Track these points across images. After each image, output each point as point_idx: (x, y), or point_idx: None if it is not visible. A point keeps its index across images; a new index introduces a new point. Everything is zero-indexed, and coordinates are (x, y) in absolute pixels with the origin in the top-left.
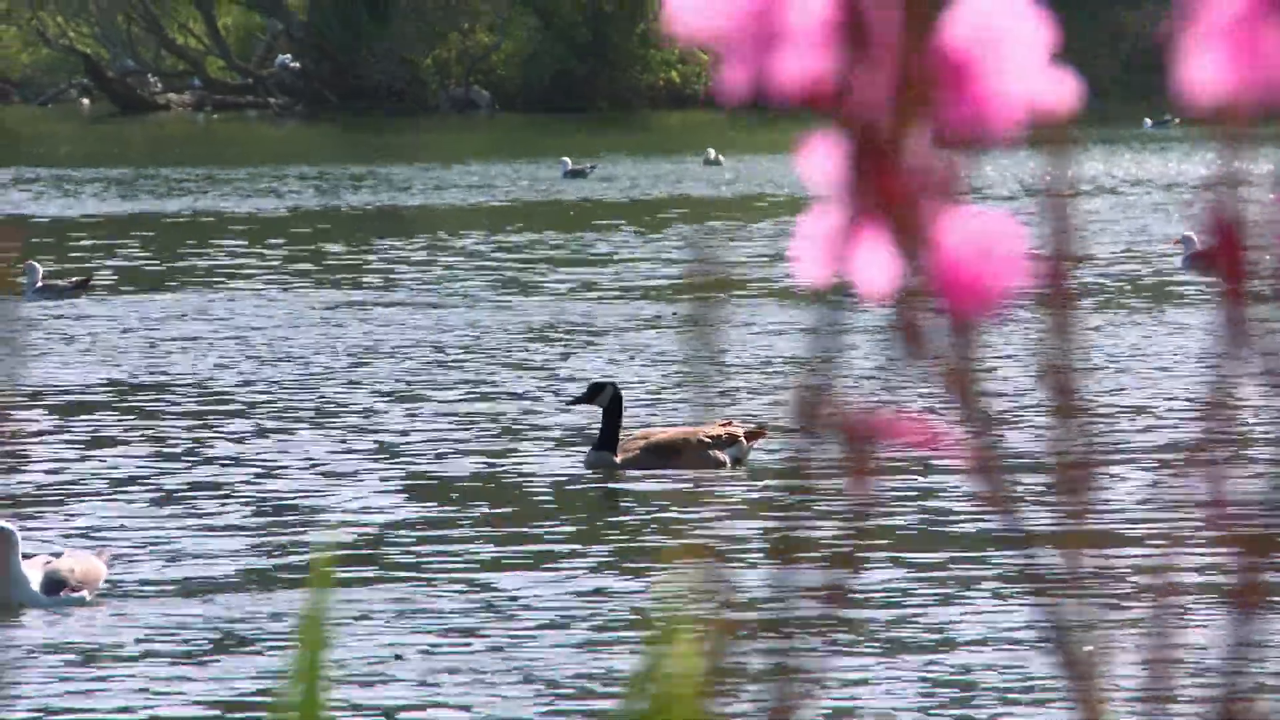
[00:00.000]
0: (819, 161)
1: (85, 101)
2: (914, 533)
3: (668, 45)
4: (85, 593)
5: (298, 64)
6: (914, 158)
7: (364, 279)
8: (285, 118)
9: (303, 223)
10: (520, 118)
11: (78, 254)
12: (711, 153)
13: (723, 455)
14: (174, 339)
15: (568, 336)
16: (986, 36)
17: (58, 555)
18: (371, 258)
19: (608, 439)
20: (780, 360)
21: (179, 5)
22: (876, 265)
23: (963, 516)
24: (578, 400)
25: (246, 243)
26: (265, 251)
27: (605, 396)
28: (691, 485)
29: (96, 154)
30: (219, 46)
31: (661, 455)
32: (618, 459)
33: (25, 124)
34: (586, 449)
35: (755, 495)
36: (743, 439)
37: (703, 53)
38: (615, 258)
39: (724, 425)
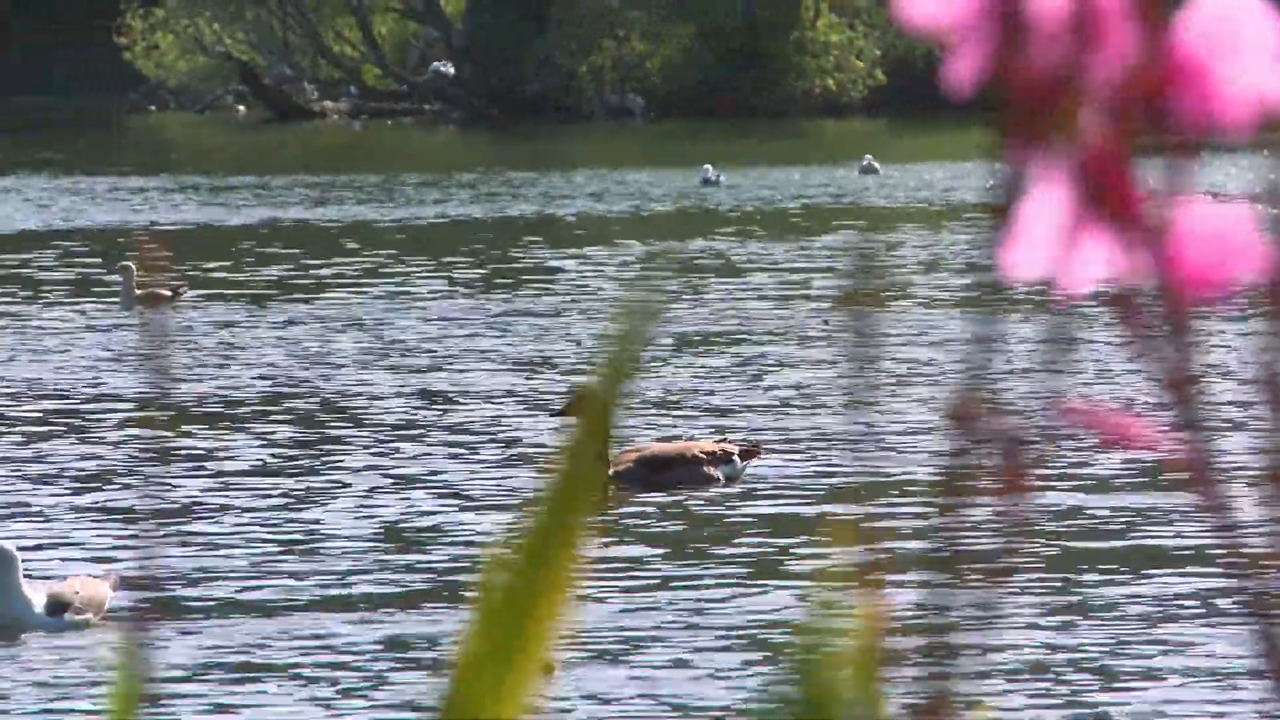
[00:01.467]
0: (1037, 158)
1: (241, 109)
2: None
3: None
4: (90, 615)
5: (453, 71)
6: (1143, 155)
7: (517, 287)
8: (440, 125)
9: (457, 230)
10: (674, 125)
11: (226, 262)
12: (868, 160)
13: (716, 471)
14: (324, 348)
15: (718, 346)
16: (1219, 34)
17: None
18: (523, 266)
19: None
20: (932, 368)
21: (335, 13)
22: (1093, 263)
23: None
24: (561, 411)
25: (399, 250)
26: (418, 260)
27: None
28: (686, 500)
29: (252, 162)
30: (375, 54)
31: (654, 469)
32: (609, 471)
33: (182, 131)
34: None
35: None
36: (737, 457)
37: (937, 44)
38: (764, 265)
39: (719, 442)
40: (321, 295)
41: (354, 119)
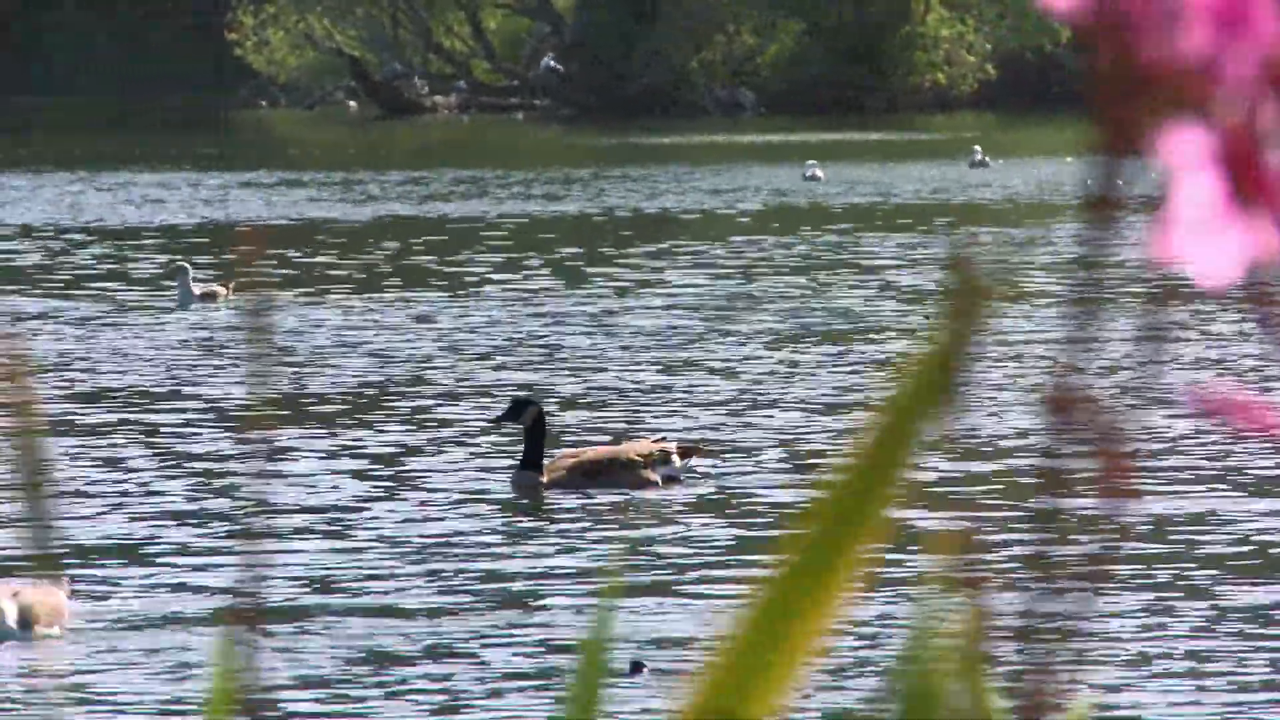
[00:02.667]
0: (1187, 149)
1: (352, 104)
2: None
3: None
4: (57, 629)
5: (562, 66)
6: None
7: (624, 284)
8: (550, 120)
9: (565, 226)
10: (784, 120)
11: (333, 257)
12: (978, 154)
13: (654, 474)
14: (433, 344)
15: (823, 343)
16: None
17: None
18: (631, 261)
19: (532, 458)
20: (1039, 365)
21: (445, 8)
22: (1234, 251)
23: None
24: (501, 418)
25: (507, 247)
26: (526, 256)
27: (529, 415)
28: (622, 504)
29: (362, 157)
30: (485, 49)
31: (589, 475)
32: (544, 479)
33: (292, 127)
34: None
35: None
36: (676, 457)
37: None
38: (871, 262)
39: (656, 443)
40: (430, 291)
41: (463, 113)
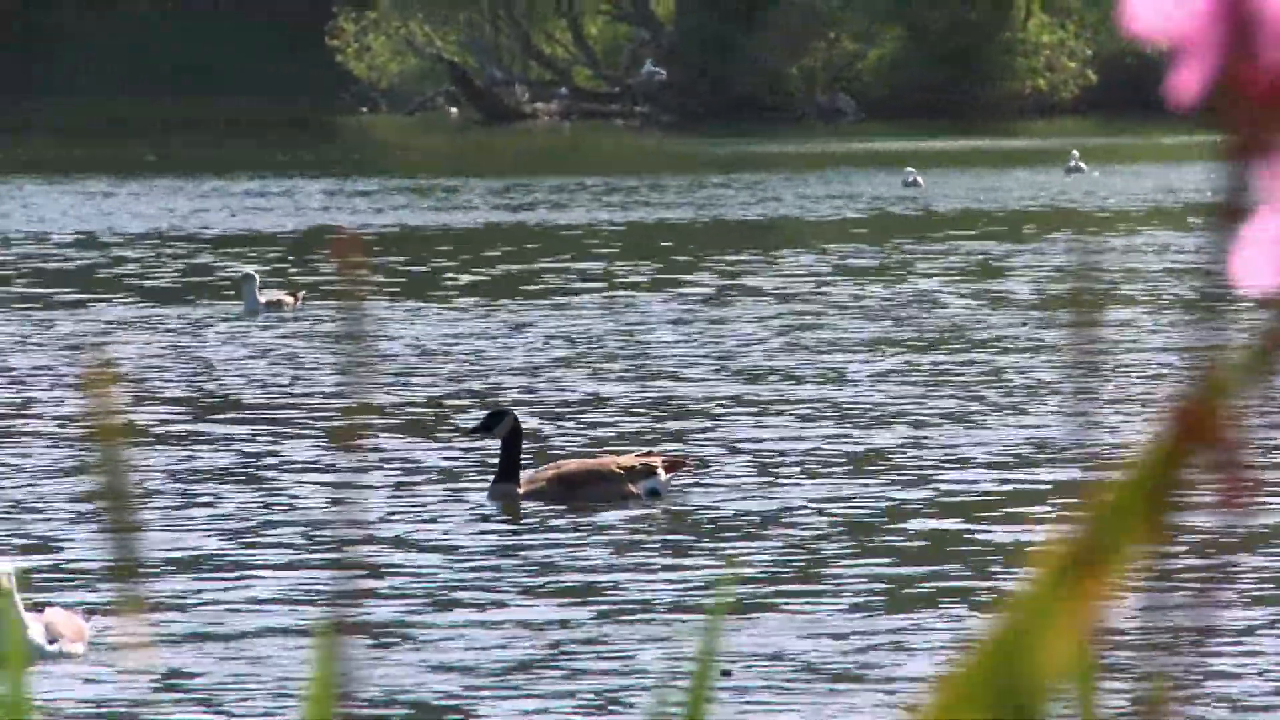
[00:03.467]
0: (1267, 162)
1: (453, 111)
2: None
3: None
4: (79, 646)
5: (663, 73)
6: None
7: (722, 291)
8: (651, 127)
9: (665, 232)
10: (884, 126)
11: (433, 264)
12: (1075, 160)
13: (636, 488)
14: (531, 351)
15: (909, 350)
16: None
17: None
18: (730, 269)
19: (508, 470)
20: (1151, 374)
21: (546, 15)
22: None
23: None
24: (475, 430)
25: (608, 253)
26: (628, 262)
27: (504, 426)
28: (600, 519)
29: (462, 163)
30: (585, 55)
31: (569, 487)
32: (521, 490)
33: (393, 133)
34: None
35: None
36: (661, 470)
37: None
38: (968, 269)
39: (641, 456)
40: (528, 297)
41: (564, 120)
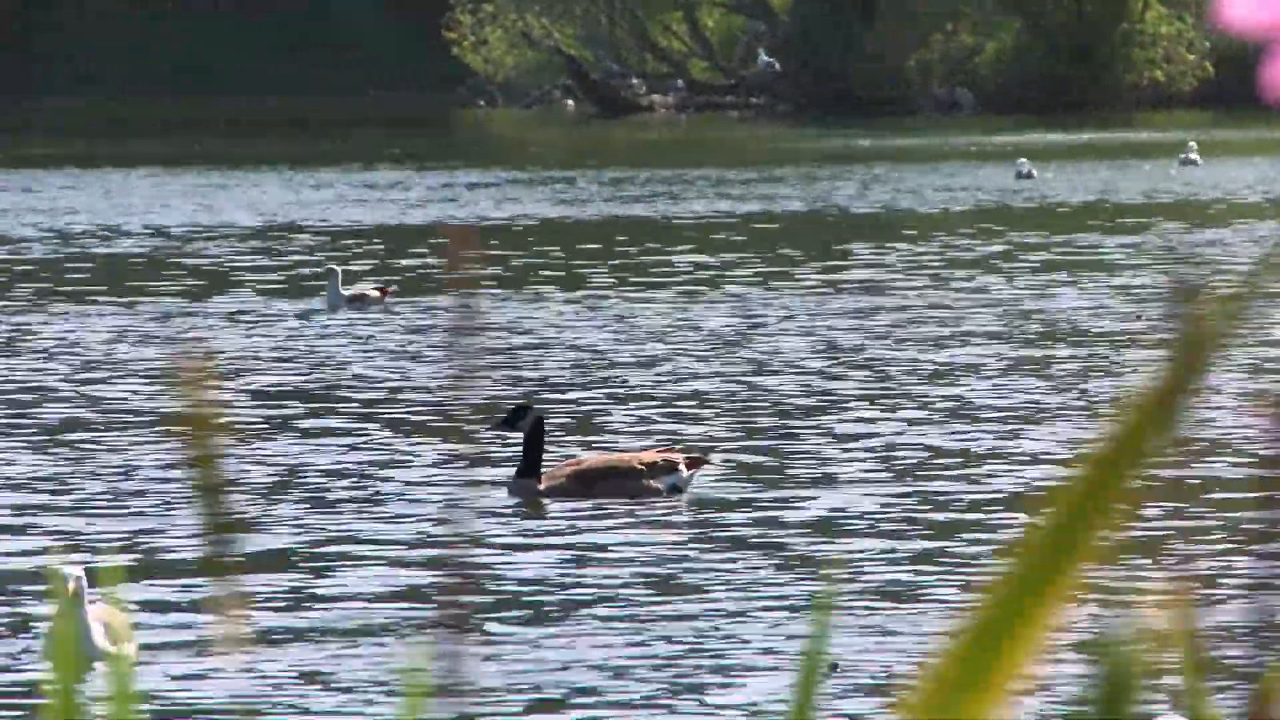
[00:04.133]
0: None
1: (569, 104)
2: None
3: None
4: (130, 646)
5: (778, 65)
6: None
7: (838, 283)
8: (766, 119)
9: (781, 225)
10: (1001, 119)
11: (549, 255)
12: (1189, 153)
13: (657, 483)
14: (648, 340)
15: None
16: None
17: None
18: (844, 262)
19: (530, 465)
20: (1248, 369)
21: (662, 7)
22: None
23: None
24: (500, 425)
25: (723, 245)
26: (741, 255)
27: (526, 422)
28: (624, 513)
29: (579, 156)
30: (702, 48)
31: (589, 483)
32: (541, 486)
33: (510, 127)
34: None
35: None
36: (683, 467)
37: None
38: (1079, 262)
39: (663, 452)
40: (642, 290)
41: (680, 112)
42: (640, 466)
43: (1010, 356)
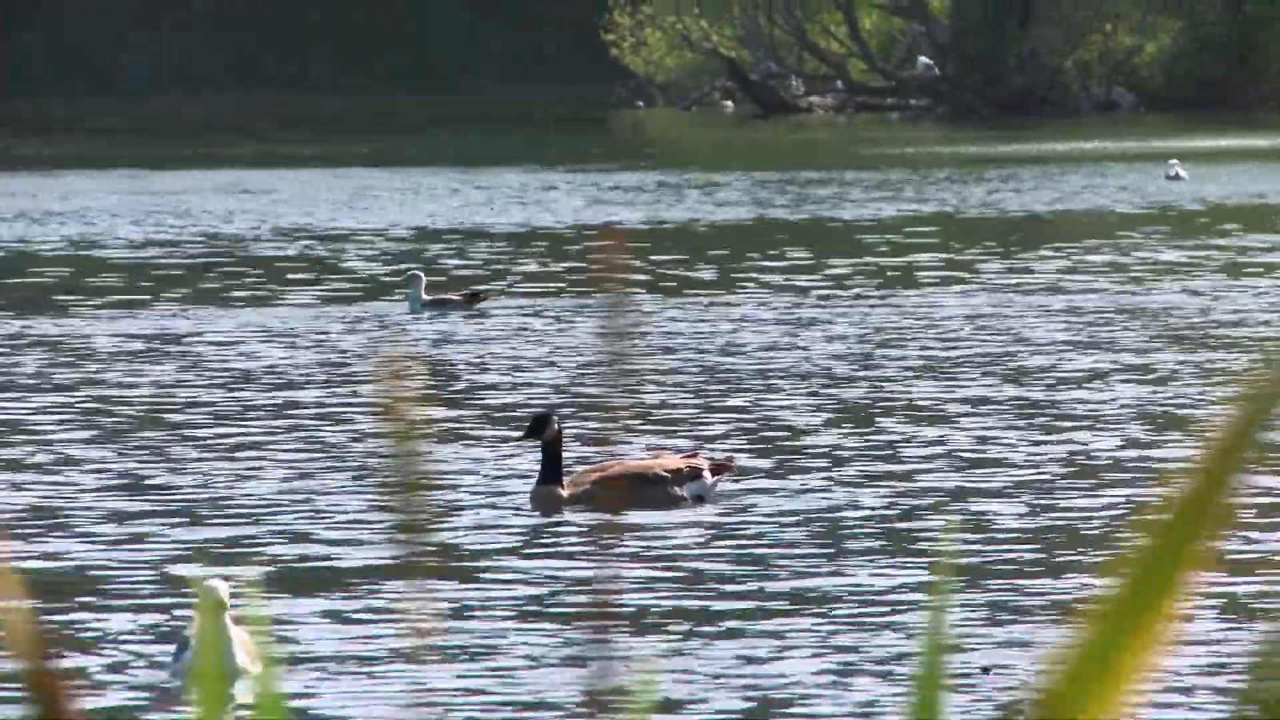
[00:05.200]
0: None
1: (728, 104)
2: None
3: None
4: (259, 664)
5: (937, 67)
6: None
7: (989, 284)
8: (925, 120)
9: (938, 225)
10: (1160, 119)
11: (700, 256)
12: None
13: (681, 490)
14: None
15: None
16: None
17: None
18: (998, 264)
19: (550, 473)
20: None
21: (821, 8)
22: None
23: None
24: (524, 436)
25: (885, 246)
26: (899, 257)
27: (549, 431)
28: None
29: (737, 157)
30: (861, 49)
31: (613, 489)
32: (564, 493)
33: (669, 127)
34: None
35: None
36: (707, 473)
37: None
38: (1222, 264)
39: (687, 458)
40: (800, 291)
41: (839, 114)
42: (665, 474)
43: (1167, 360)
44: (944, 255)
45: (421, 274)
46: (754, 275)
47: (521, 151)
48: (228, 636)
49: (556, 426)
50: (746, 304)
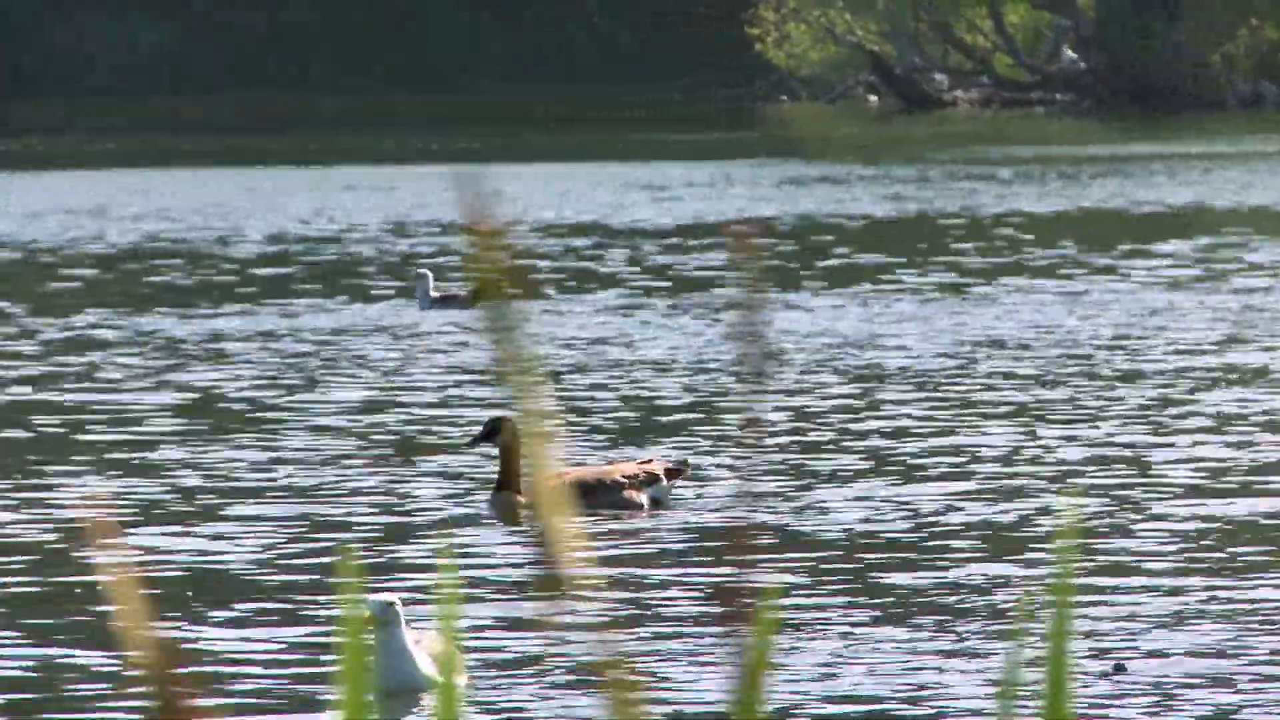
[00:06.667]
0: None
1: (872, 99)
2: None
3: None
4: (463, 678)
5: (1083, 61)
6: None
7: (1139, 279)
8: (1071, 115)
9: (1082, 221)
10: None
11: (832, 252)
12: None
13: (640, 495)
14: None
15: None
16: None
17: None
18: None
19: (508, 478)
20: None
21: (966, 3)
22: None
23: None
24: (476, 440)
25: (1029, 241)
26: (1042, 252)
27: (502, 437)
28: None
29: (881, 151)
30: (1006, 43)
31: (573, 496)
32: (522, 499)
33: (811, 121)
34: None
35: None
36: (663, 478)
37: None
38: None
39: (643, 464)
40: (940, 288)
41: (984, 108)
42: (623, 479)
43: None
44: (1090, 249)
45: (429, 272)
46: (898, 269)
47: (659, 147)
48: (400, 652)
49: (513, 431)
50: (900, 300)
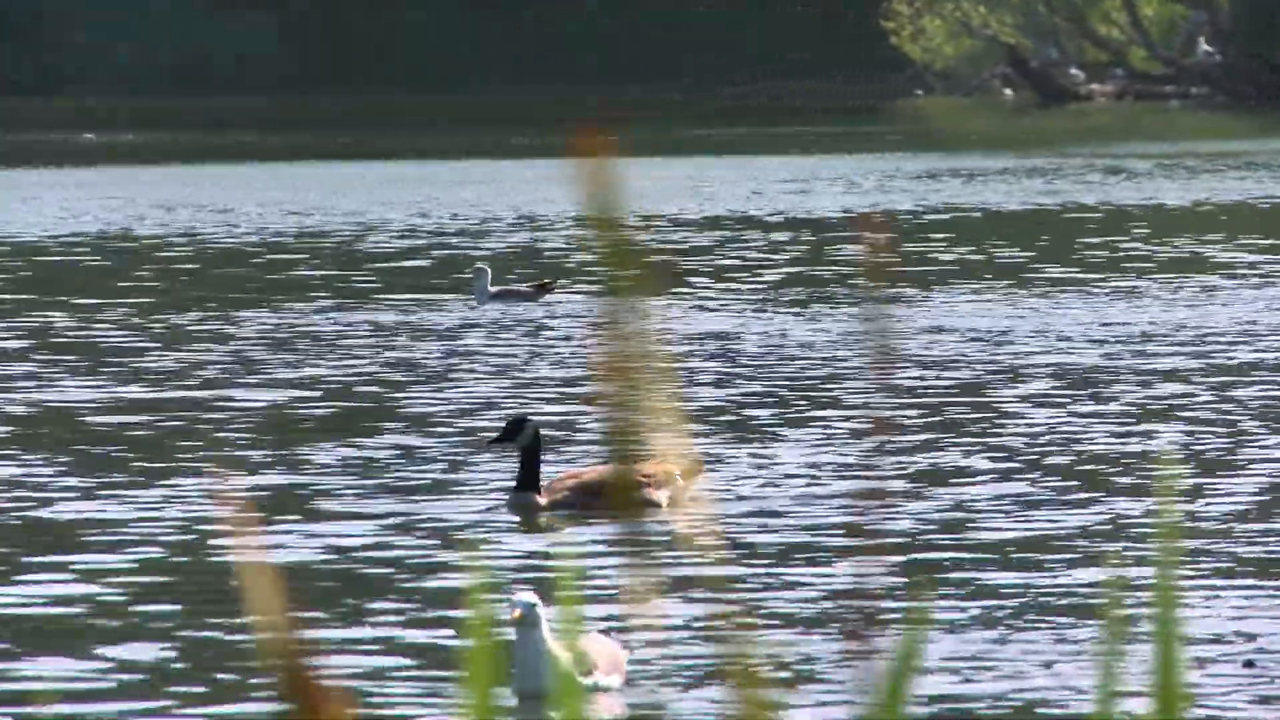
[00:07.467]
0: None
1: (1008, 92)
2: None
3: None
4: (616, 678)
5: (1218, 55)
6: None
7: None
8: (1207, 108)
9: (1220, 214)
10: None
11: (964, 247)
12: None
13: (658, 495)
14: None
15: None
16: None
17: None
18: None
19: (529, 479)
20: None
21: None
22: None
23: None
24: (497, 440)
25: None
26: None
27: (525, 436)
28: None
29: (1014, 144)
30: (1141, 36)
31: (591, 495)
32: (542, 500)
33: (946, 114)
34: None
35: None
36: (678, 478)
37: None
38: None
39: (659, 463)
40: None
41: (1119, 101)
42: (641, 479)
43: None
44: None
45: (487, 267)
46: (1027, 263)
47: (791, 141)
48: (538, 653)
49: (534, 430)
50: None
